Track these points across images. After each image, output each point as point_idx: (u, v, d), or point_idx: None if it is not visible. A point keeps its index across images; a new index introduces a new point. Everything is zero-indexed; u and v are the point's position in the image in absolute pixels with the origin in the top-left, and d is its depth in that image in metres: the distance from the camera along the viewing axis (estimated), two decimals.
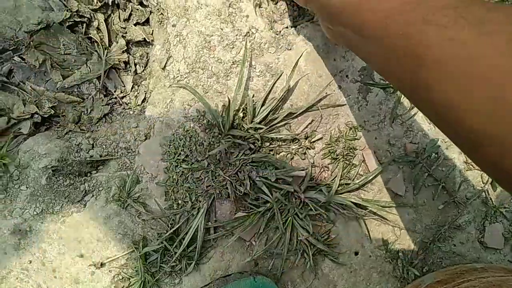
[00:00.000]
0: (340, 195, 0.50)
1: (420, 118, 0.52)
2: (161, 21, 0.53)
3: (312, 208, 0.49)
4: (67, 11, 0.51)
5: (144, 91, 0.55)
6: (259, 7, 0.51)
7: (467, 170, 0.52)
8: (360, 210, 0.50)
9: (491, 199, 0.52)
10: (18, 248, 0.51)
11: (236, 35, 0.51)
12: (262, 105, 0.48)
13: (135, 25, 0.55)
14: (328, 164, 0.50)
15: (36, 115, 0.52)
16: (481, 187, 0.52)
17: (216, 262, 0.51)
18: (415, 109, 0.51)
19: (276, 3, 0.51)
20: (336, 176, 0.49)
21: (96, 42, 0.53)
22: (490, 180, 0.51)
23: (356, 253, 0.52)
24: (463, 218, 0.52)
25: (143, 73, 0.56)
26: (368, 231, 0.51)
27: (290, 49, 0.50)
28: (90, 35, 0.53)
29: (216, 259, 0.51)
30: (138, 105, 0.55)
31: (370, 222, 0.51)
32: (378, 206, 0.50)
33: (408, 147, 0.51)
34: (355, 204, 0.50)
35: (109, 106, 0.55)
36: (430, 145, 0.51)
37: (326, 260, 0.52)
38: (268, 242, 0.51)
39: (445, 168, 0.52)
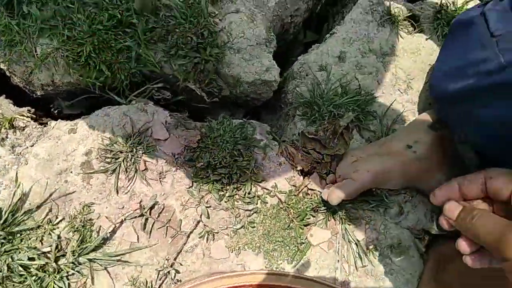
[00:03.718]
0: (85, 256, 0.69)
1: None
2: None
3: (66, 270, 0.68)
4: None
5: None
6: None
7: None
8: (104, 262, 0.70)
9: None
10: None
11: None
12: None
13: None
14: (72, 236, 0.70)
15: None
16: None
17: None
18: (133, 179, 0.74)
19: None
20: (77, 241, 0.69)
21: None
22: None
23: None
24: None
25: None
26: (114, 276, 0.70)
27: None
28: None
29: None
30: None
31: (116, 268, 0.71)
32: (116, 256, 0.70)
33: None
34: (98, 259, 0.69)
35: None
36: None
37: None
38: None
39: None
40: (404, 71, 0.88)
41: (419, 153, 0.71)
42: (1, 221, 0.67)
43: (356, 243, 0.72)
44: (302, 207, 0.75)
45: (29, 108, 0.82)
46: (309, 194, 0.77)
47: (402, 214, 0.74)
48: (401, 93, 0.86)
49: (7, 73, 0.82)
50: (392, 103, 0.84)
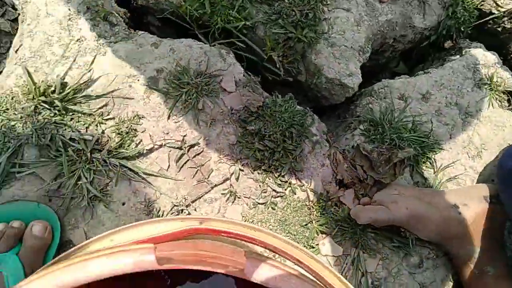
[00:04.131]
0: (118, 159, 0.71)
1: (190, 119, 0.75)
2: (22, 20, 0.76)
3: (96, 164, 0.70)
4: None
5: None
6: None
7: None
8: (131, 173, 0.72)
9: None
10: None
11: (71, 40, 0.74)
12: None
13: (6, 20, 0.78)
14: (114, 136, 0.72)
15: None
16: None
17: (15, 191, 0.70)
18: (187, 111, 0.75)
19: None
20: (116, 143, 0.71)
21: None
22: None
23: (123, 204, 0.72)
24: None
25: (5, 54, 0.78)
26: (134, 190, 0.72)
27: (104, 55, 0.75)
28: None
29: (15, 188, 0.70)
30: None
31: (139, 184, 0.73)
32: (145, 173, 0.72)
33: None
34: (128, 168, 0.71)
35: None
36: None
37: (101, 205, 0.72)
38: (61, 185, 0.70)
39: None
40: (481, 138, 0.85)
41: (464, 217, 0.68)
42: (63, 94, 0.70)
43: (363, 273, 0.70)
44: (326, 214, 0.74)
45: (126, 11, 0.85)
46: (337, 206, 0.75)
47: (421, 268, 0.72)
48: (469, 157, 0.83)
49: None
50: (455, 162, 0.81)
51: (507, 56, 1.00)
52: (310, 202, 0.74)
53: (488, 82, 0.88)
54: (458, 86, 0.88)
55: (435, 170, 0.80)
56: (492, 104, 0.87)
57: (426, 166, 0.80)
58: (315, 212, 0.73)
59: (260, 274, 0.34)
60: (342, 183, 0.77)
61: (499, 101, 0.88)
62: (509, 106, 0.89)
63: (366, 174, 0.75)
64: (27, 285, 0.30)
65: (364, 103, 0.87)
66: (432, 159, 0.80)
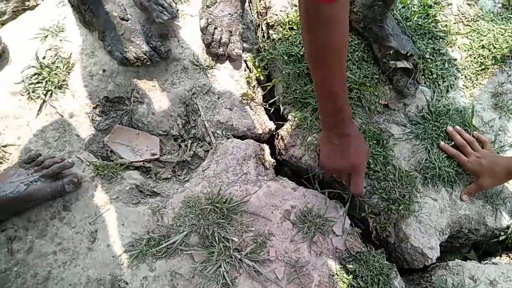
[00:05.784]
0: (250, 260, 0.98)
1: None
2: (213, 152, 1.17)
3: (234, 260, 0.98)
4: None
5: None
6: None
7: None
8: (255, 273, 0.97)
9: None
10: None
11: (240, 172, 1.11)
12: None
13: (202, 149, 1.19)
14: (252, 243, 1.01)
15: None
16: None
17: (172, 264, 0.98)
18: None
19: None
20: (250, 249, 0.99)
21: None
22: None
23: None
24: None
25: (194, 170, 1.17)
26: (254, 287, 0.96)
27: None
28: None
29: (175, 261, 0.98)
30: None
31: (258, 284, 0.97)
32: (265, 277, 0.97)
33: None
34: (255, 269, 0.97)
35: None
36: None
37: None
38: (206, 267, 0.98)
39: None
40: None
41: None
42: (230, 205, 1.03)
43: None
44: None
45: (274, 161, 1.23)
46: None
47: None
48: None
49: None
50: None
51: None
52: None
53: None
54: None
55: None
56: None
57: None
58: None
59: None
60: None
61: None
62: None
63: None
64: None
65: (439, 274, 1.08)
66: None
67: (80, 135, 1.12)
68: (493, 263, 1.11)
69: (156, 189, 1.07)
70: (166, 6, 1.23)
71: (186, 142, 1.21)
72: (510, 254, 1.19)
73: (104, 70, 1.24)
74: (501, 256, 1.20)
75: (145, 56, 1.17)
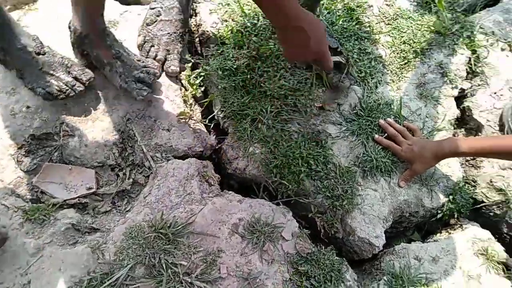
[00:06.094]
0: (201, 282, 0.97)
1: None
2: (154, 177, 1.14)
3: (185, 285, 0.96)
4: None
5: None
6: None
7: None
8: None
9: None
10: None
11: (184, 193, 1.10)
12: None
13: (142, 175, 1.16)
14: (201, 264, 1.00)
15: None
16: None
17: None
18: None
19: None
20: (201, 270, 0.98)
21: None
22: None
23: None
24: None
25: (134, 198, 1.14)
26: None
27: None
28: None
29: None
30: None
31: None
32: None
33: None
34: None
35: None
36: None
37: None
38: None
39: None
40: None
41: None
42: (175, 229, 1.01)
43: None
44: None
45: (219, 176, 1.23)
46: None
47: None
48: None
49: None
50: None
51: (501, 235, 1.27)
52: None
53: (484, 253, 1.13)
54: (461, 253, 1.13)
55: None
56: (489, 271, 1.10)
57: None
58: None
59: None
60: None
61: (495, 269, 1.11)
62: (504, 274, 1.11)
63: None
64: None
65: (387, 259, 1.13)
66: None
67: (4, 179, 1.05)
68: (434, 241, 1.18)
69: (95, 225, 1.02)
70: (144, 77, 1.18)
71: (124, 171, 1.17)
72: (448, 230, 1.27)
73: (28, 107, 1.17)
74: (441, 233, 1.28)
75: (67, 87, 1.12)
